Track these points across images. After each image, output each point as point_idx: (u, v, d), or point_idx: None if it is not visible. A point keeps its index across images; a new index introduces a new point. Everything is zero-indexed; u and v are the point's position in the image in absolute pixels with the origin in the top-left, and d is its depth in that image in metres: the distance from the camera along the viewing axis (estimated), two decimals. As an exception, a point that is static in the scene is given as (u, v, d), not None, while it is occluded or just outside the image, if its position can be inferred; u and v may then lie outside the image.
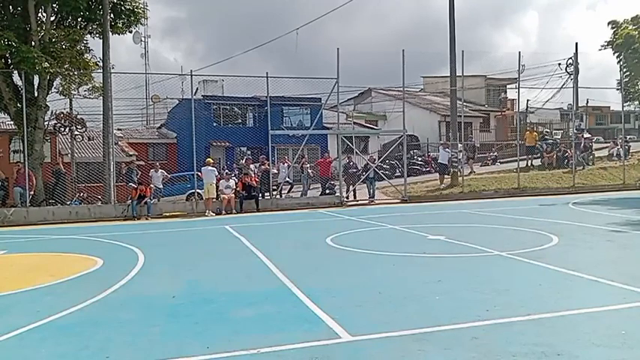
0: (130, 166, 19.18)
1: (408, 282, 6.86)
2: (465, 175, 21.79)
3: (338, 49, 19.02)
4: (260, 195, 18.84)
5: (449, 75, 22.49)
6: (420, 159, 28.43)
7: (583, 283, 6.35)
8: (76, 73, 18.82)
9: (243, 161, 19.86)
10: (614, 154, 26.91)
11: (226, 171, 19.63)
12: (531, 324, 4.82)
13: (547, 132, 30.27)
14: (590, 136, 29.27)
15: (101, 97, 18.54)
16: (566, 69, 33.09)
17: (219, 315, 5.56)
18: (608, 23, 35.12)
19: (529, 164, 25.20)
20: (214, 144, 27.84)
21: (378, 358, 4.14)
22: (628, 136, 28.82)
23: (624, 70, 32.76)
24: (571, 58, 32.58)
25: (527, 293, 5.98)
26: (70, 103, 21.29)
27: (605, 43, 35.27)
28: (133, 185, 17.24)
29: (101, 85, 18.47)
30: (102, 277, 7.64)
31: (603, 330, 4.65)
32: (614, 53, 34.84)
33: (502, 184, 21.83)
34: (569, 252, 8.56)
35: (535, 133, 27.18)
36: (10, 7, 18.25)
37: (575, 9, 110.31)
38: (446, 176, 21.93)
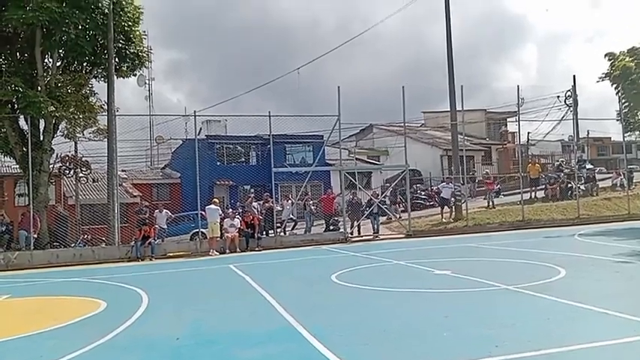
0: (139, 206, 19.30)
1: (415, 318, 6.78)
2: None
3: (339, 87, 19.35)
4: (264, 232, 18.80)
5: (449, 110, 22.74)
6: (423, 193, 28.44)
7: (592, 316, 6.26)
8: (81, 116, 19.10)
9: (248, 201, 19.90)
10: (618, 185, 26.87)
11: (230, 210, 19.63)
12: (542, 359, 4.73)
13: (563, 161, 30.09)
14: (592, 166, 29.31)
15: (106, 140, 18.74)
16: (565, 101, 33.43)
17: (223, 356, 5.49)
18: (605, 55, 35.59)
19: (533, 196, 25.15)
20: (218, 183, 27.95)
21: (386, 397, 4.06)
22: (630, 166, 28.79)
23: (623, 101, 33.03)
24: (569, 90, 32.96)
25: (535, 327, 5.89)
26: (75, 145, 21.57)
27: (603, 75, 35.68)
28: (146, 228, 17.15)
29: (106, 127, 18.70)
30: (105, 320, 7.57)
31: (615, 364, 4.57)
32: (612, 84, 35.20)
33: (506, 216, 21.73)
34: (576, 284, 8.47)
35: (537, 165, 27.22)
36: (17, 53, 18.71)
37: (572, 42, 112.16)
38: (447, 210, 21.91)
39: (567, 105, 33.01)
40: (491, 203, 23.45)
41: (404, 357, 5.01)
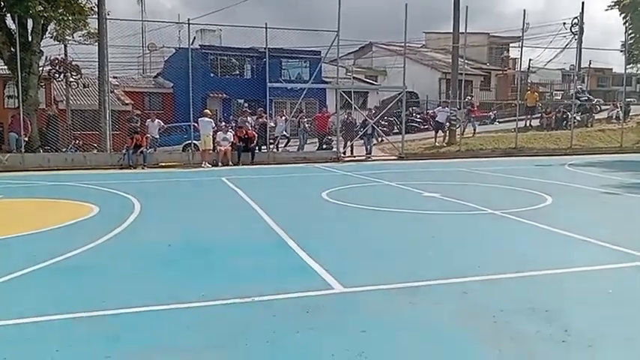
0: (130, 114, 19.09)
1: (402, 237, 6.94)
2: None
3: (339, 0, 18.55)
4: (257, 148, 18.79)
5: (451, 31, 22.10)
6: (418, 116, 28.27)
7: (574, 243, 6.44)
8: (70, 18, 18.35)
9: (244, 116, 19.67)
10: (614, 117, 26.83)
11: (223, 123, 19.48)
12: (521, 281, 4.91)
13: (580, 88, 29.66)
14: (590, 97, 29.10)
15: (96, 44, 18.17)
16: (570, 29, 32.50)
17: (214, 264, 5.64)
18: (617, -17, 34.22)
19: (528, 124, 25.13)
20: (211, 95, 27.54)
21: (370, 309, 4.23)
22: (628, 99, 28.55)
23: (630, 31, 32.16)
24: (576, 17, 31.95)
25: (518, 251, 6.07)
26: (65, 49, 20.93)
27: (612, 3, 34.51)
28: (138, 137, 17.04)
29: (96, 31, 18.06)
30: (98, 224, 7.70)
31: (591, 288, 4.76)
32: (620, 14, 34.11)
33: (499, 143, 21.82)
34: (561, 212, 8.65)
35: (536, 93, 26.94)
36: (2, -53, 17.62)
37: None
38: (441, 134, 21.88)
39: (573, 33, 32.13)
40: (473, 129, 23.35)
41: (388, 272, 5.17)
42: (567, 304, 4.31)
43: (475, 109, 25.35)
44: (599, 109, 28.99)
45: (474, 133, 23.10)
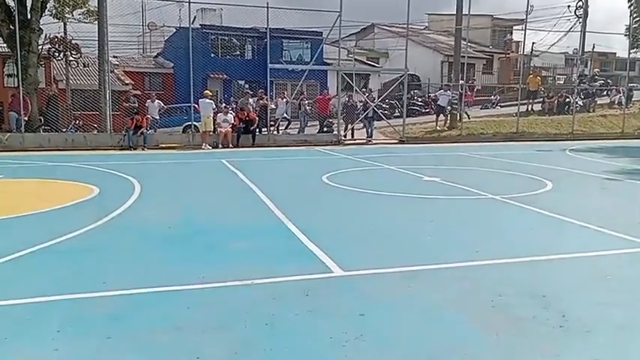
0: (127, 95, 18.97)
1: (401, 221, 6.96)
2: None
3: (342, -20, 18.31)
4: (257, 130, 18.73)
5: (454, 13, 21.88)
6: (420, 100, 28.12)
7: (573, 229, 6.45)
8: (69, -6, 18.21)
9: (245, 97, 19.55)
10: (616, 102, 26.69)
11: (224, 104, 19.37)
12: (519, 266, 4.93)
13: (597, 72, 29.53)
14: (609, 81, 29.10)
15: (96, 22, 17.99)
16: (575, 12, 32.26)
17: (214, 246, 5.65)
18: (623, -35, 33.79)
19: (529, 109, 25.02)
20: (212, 76, 27.37)
21: (369, 293, 4.25)
22: (630, 84, 28.39)
23: (634, 15, 31.85)
24: (581, 0, 31.65)
25: (517, 236, 6.09)
26: (65, 27, 20.75)
27: (617, -14, 34.13)
28: (138, 117, 16.98)
29: (96, 9, 17.88)
30: (98, 206, 7.70)
31: (589, 274, 4.78)
32: (626, -3, 33.73)
33: (501, 128, 21.75)
34: (561, 198, 8.65)
35: (538, 77, 26.77)
36: None
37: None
38: (442, 118, 21.77)
39: (577, 16, 31.88)
40: (465, 115, 23.13)
41: (387, 256, 5.20)
42: (565, 290, 4.33)
43: (469, 93, 25.10)
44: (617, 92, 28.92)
45: (469, 118, 22.96)
